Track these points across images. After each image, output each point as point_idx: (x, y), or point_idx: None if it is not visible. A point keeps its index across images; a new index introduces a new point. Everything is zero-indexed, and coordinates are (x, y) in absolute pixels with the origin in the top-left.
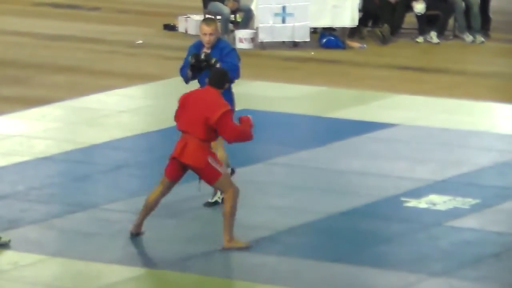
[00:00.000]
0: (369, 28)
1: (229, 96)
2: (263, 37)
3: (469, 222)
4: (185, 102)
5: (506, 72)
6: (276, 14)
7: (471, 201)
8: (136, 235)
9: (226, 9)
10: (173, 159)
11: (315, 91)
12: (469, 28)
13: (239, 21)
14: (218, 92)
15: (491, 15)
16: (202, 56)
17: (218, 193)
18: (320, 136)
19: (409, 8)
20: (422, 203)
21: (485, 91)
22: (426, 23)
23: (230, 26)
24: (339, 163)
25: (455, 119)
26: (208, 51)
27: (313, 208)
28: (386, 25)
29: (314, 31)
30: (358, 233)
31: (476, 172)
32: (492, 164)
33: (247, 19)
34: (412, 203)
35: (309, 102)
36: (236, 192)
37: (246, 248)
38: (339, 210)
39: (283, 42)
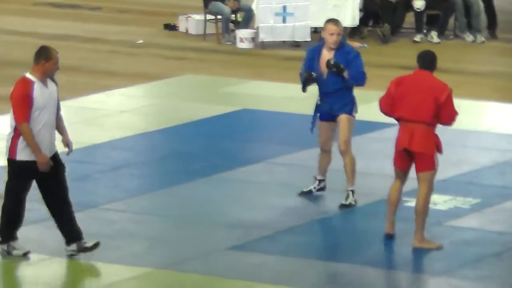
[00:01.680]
0: (369, 28)
1: (351, 99)
2: (264, 37)
3: (470, 221)
4: (398, 90)
5: (507, 71)
6: (277, 14)
7: (471, 200)
8: (392, 236)
9: (226, 9)
10: (402, 150)
11: (315, 91)
12: (470, 28)
13: (239, 21)
14: (432, 73)
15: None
16: (332, 62)
17: (351, 196)
18: None
19: (410, 8)
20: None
21: (486, 90)
22: (427, 22)
23: (231, 25)
24: (340, 162)
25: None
26: (331, 55)
27: (313, 207)
28: (386, 25)
29: (314, 30)
30: (358, 232)
31: (476, 172)
32: (493, 164)
33: (248, 19)
34: (412, 202)
35: (309, 102)
36: (431, 193)
37: (438, 249)
38: (340, 209)
39: (284, 41)
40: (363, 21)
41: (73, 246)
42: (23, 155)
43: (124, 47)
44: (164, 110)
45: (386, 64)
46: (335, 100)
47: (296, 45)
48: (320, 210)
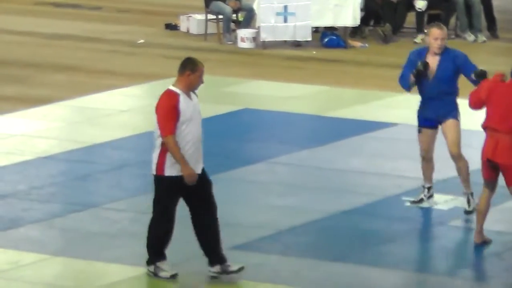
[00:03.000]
0: (370, 27)
1: (455, 105)
2: (265, 37)
3: (470, 221)
4: (489, 96)
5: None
6: (278, 13)
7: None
8: (483, 243)
9: (227, 8)
10: (486, 161)
11: (316, 90)
12: (471, 27)
13: (241, 21)
14: None
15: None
16: (420, 67)
17: (472, 200)
18: (322, 135)
19: (411, 7)
20: (423, 203)
21: None
22: (428, 22)
23: (232, 25)
24: (340, 162)
25: None
26: (436, 60)
27: (314, 207)
28: (387, 24)
29: (316, 30)
30: (358, 232)
31: (477, 172)
32: None
33: (249, 19)
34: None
35: (310, 101)
36: None
37: None
38: (340, 209)
39: (285, 41)
40: (364, 20)
41: (217, 268)
42: (171, 171)
43: (124, 47)
44: None
45: (387, 64)
46: (440, 105)
47: (297, 44)
48: (320, 209)
